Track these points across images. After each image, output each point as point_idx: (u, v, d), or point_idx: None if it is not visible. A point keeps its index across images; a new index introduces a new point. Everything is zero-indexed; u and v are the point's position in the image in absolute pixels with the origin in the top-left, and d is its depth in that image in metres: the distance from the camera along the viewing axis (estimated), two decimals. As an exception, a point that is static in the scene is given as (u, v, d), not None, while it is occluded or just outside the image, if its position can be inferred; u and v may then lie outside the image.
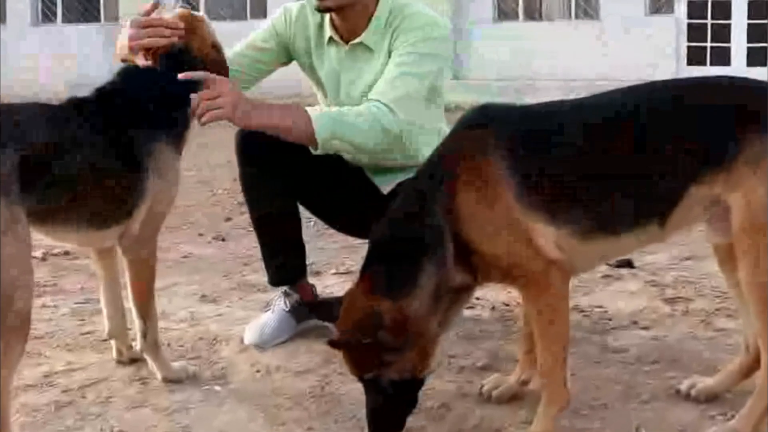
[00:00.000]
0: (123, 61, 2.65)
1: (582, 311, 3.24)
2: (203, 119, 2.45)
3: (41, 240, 2.50)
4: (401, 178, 2.88)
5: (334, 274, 3.84)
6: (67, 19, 14.91)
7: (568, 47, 11.86)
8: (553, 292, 2.19)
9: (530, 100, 3.55)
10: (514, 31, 12.35)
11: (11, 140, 2.22)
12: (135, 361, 2.80)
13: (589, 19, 12.38)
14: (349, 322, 2.15)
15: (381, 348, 2.10)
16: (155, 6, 2.65)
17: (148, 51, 2.57)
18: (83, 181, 2.40)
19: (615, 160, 2.19)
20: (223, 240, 4.66)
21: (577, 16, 12.56)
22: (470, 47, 12.31)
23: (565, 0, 12.69)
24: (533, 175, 2.18)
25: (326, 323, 2.77)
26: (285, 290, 3.10)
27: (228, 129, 2.66)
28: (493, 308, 3.30)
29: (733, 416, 2.28)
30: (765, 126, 2.11)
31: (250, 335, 2.99)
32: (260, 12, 13.23)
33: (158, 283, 3.62)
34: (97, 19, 14.75)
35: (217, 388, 2.66)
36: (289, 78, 3.45)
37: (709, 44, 11.79)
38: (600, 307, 3.30)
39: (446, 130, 2.95)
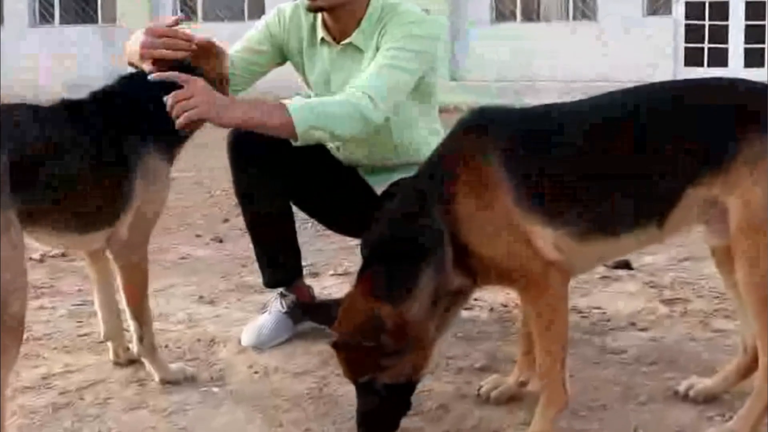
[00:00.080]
0: (130, 65, 2.64)
1: (580, 312, 3.24)
2: (179, 121, 2.41)
3: (39, 241, 2.51)
4: (395, 177, 2.88)
5: (332, 275, 3.84)
6: (65, 20, 14.90)
7: (566, 48, 11.87)
8: (552, 293, 2.19)
9: (529, 100, 3.55)
10: (512, 32, 12.35)
11: (1, 143, 2.21)
12: (132, 362, 2.79)
13: (587, 20, 12.39)
14: (349, 324, 2.14)
15: (380, 352, 2.10)
16: (177, 21, 2.65)
17: (157, 61, 2.56)
18: (67, 184, 2.37)
19: (614, 161, 2.19)
20: (221, 241, 4.65)
21: (574, 18, 12.57)
22: (468, 48, 12.33)
23: (562, 1, 12.70)
24: (532, 176, 2.18)
25: (322, 326, 2.77)
26: (281, 291, 3.10)
27: (225, 130, 2.65)
28: (492, 309, 3.30)
29: (731, 417, 2.28)
30: (765, 126, 2.11)
31: (247, 337, 2.99)
32: (258, 13, 13.20)
33: (156, 285, 3.63)
34: (94, 20, 14.75)
35: (215, 389, 2.66)
36: (285, 78, 3.45)
37: (706, 45, 11.80)
38: (598, 308, 3.30)
39: (441, 130, 2.95)
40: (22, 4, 14.83)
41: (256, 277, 3.30)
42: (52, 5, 14.89)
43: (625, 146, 2.19)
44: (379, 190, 2.94)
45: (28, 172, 2.26)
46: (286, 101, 2.56)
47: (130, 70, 2.67)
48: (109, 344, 2.83)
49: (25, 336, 2.94)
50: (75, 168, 2.40)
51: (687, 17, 11.82)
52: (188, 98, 2.42)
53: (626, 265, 3.73)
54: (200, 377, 2.74)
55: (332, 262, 4.03)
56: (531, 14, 12.92)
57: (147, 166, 2.53)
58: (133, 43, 2.62)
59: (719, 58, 11.64)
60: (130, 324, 2.68)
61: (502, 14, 12.84)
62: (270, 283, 3.10)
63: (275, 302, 3.09)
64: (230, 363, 2.85)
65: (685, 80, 2.40)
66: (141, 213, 2.54)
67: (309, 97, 2.93)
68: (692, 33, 11.80)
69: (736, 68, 11.24)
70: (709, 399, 2.44)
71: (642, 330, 3.07)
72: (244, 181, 2.97)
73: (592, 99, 2.36)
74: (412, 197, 2.27)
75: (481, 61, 12.20)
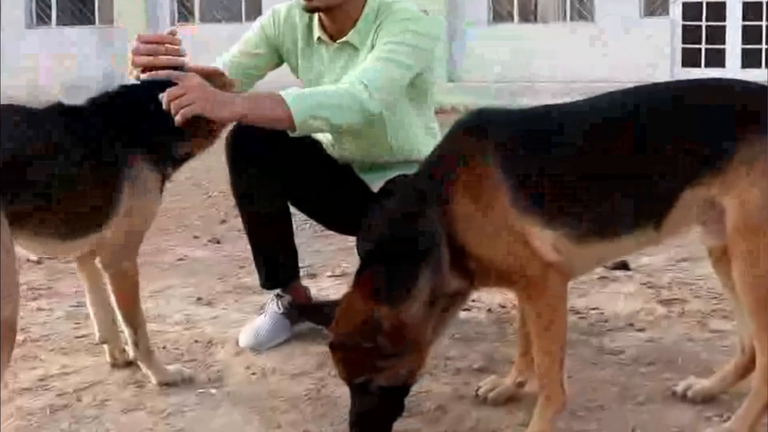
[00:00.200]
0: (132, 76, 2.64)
1: (578, 313, 3.24)
2: (177, 118, 2.40)
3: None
4: (390, 175, 2.88)
5: (330, 276, 3.83)
6: (61, 21, 14.89)
7: (565, 49, 11.87)
8: (551, 294, 2.19)
9: (528, 101, 3.56)
10: (510, 33, 12.35)
11: None
12: (130, 364, 2.79)
13: (584, 21, 12.39)
14: (347, 325, 2.14)
15: (377, 353, 2.09)
16: (173, 33, 2.65)
17: (152, 69, 2.55)
18: (50, 189, 2.35)
19: (613, 162, 2.19)
20: (218, 242, 4.65)
21: (572, 18, 12.58)
22: (466, 48, 12.33)
23: (559, 2, 12.71)
24: (531, 177, 2.18)
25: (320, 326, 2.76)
26: (278, 293, 3.09)
27: (223, 131, 2.65)
28: (489, 310, 3.30)
29: (729, 417, 2.28)
30: (764, 127, 2.11)
31: (245, 338, 2.99)
32: (255, 14, 13.17)
33: (153, 286, 3.63)
34: (91, 22, 14.73)
35: (213, 391, 2.66)
36: (285, 78, 3.45)
37: (703, 46, 11.81)
38: (596, 309, 3.30)
39: (437, 130, 2.96)
40: (19, 6, 14.81)
41: (253, 279, 3.30)
42: (50, 6, 14.88)
43: (625, 147, 2.19)
44: (375, 187, 2.94)
45: (15, 175, 2.25)
46: (281, 92, 2.56)
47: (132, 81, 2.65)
48: (106, 346, 2.83)
49: (22, 337, 2.96)
50: (63, 174, 2.38)
51: (684, 18, 11.83)
52: (183, 95, 2.42)
53: (624, 266, 3.73)
54: (198, 379, 2.73)
55: (330, 263, 4.03)
56: (528, 15, 12.92)
57: (136, 176, 2.50)
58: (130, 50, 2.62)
59: (717, 59, 11.65)
60: (124, 329, 2.67)
61: (499, 15, 12.84)
62: (266, 284, 3.10)
63: (272, 303, 3.09)
64: (228, 364, 2.85)
65: (684, 81, 2.40)
66: (128, 223, 2.52)
67: None
68: (689, 33, 11.81)
69: (733, 69, 11.26)
70: (707, 399, 2.44)
71: (640, 330, 3.07)
72: (242, 181, 2.97)
73: (590, 100, 2.35)
74: (412, 197, 2.27)
75: (479, 61, 12.21)
